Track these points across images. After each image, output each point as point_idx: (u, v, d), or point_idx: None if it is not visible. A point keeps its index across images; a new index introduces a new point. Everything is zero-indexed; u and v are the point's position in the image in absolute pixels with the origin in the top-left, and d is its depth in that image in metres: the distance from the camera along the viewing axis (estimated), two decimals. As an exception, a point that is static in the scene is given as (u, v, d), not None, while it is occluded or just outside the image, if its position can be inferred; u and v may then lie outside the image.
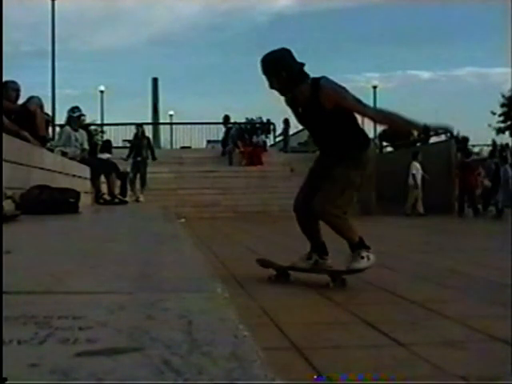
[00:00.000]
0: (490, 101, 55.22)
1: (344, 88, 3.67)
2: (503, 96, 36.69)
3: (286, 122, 22.45)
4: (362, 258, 3.73)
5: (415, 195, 15.32)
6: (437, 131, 3.78)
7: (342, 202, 3.77)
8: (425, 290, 3.62)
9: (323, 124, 3.74)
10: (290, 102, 3.86)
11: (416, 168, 15.35)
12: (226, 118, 20.67)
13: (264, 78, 3.74)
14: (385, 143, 34.72)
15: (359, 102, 3.66)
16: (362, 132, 3.85)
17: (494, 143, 36.31)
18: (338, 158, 3.72)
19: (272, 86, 3.75)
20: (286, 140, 22.58)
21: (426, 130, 3.69)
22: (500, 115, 36.61)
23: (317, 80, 3.66)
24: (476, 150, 37.24)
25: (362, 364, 2.01)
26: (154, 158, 15.56)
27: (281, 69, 3.65)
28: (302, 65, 3.71)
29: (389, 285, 3.69)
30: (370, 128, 38.18)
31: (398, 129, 3.66)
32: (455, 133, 29.21)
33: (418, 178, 15.29)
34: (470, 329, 2.51)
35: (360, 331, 2.49)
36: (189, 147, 22.69)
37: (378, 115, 3.81)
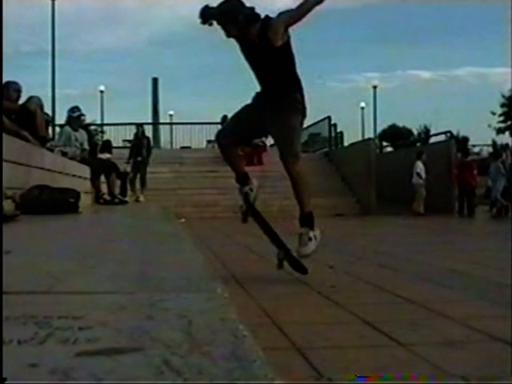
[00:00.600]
0: (490, 101, 55.22)
1: (283, 12, 3.81)
2: (503, 96, 36.73)
3: None
4: (310, 239, 3.74)
5: (423, 194, 15.26)
6: None
7: (296, 144, 3.86)
8: (425, 289, 3.62)
9: (275, 62, 3.81)
10: (240, 44, 3.90)
11: (420, 167, 15.30)
12: (225, 117, 20.68)
13: (220, 27, 3.78)
14: (385, 143, 34.73)
15: (295, 8, 3.77)
16: (298, 76, 3.94)
17: (494, 143, 36.33)
18: (279, 104, 3.81)
19: (229, 35, 3.82)
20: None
21: None
22: (500, 115, 36.64)
23: (266, 19, 3.79)
24: (476, 150, 37.30)
25: (361, 364, 2.01)
26: (147, 159, 15.50)
27: (237, 13, 3.74)
28: (253, 8, 3.82)
29: (389, 285, 3.68)
30: (370, 129, 38.25)
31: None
32: (455, 133, 29.26)
33: (422, 177, 15.25)
34: (470, 329, 2.51)
35: (360, 331, 2.49)
36: (189, 147, 22.69)
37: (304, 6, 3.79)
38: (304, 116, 3.89)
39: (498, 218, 13.93)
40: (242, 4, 3.81)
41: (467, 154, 18.14)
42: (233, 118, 4.11)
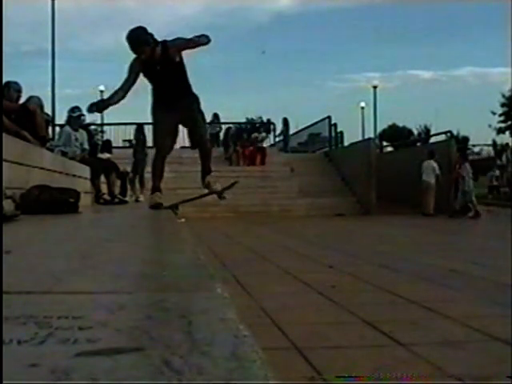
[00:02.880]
0: (490, 101, 55.24)
1: (178, 39, 4.95)
2: (503, 96, 36.71)
3: (285, 121, 22.42)
4: (216, 182, 5.84)
5: (433, 194, 15.18)
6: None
7: (205, 128, 5.55)
8: (425, 290, 3.62)
9: (175, 78, 4.99)
10: (148, 65, 4.91)
11: (432, 167, 15.21)
12: (215, 116, 20.64)
13: (133, 52, 4.85)
14: (385, 143, 34.73)
15: (196, 38, 4.92)
16: (189, 81, 5.16)
17: (494, 143, 36.33)
18: (187, 107, 5.06)
19: (145, 58, 4.84)
20: (286, 140, 22.57)
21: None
22: (500, 115, 36.63)
23: (164, 42, 4.90)
24: (476, 149, 37.29)
25: (362, 364, 2.01)
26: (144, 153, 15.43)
27: (152, 39, 4.84)
28: (152, 34, 4.91)
29: (389, 285, 3.69)
30: (370, 129, 38.19)
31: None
32: (455, 133, 29.27)
33: (432, 177, 15.16)
34: (470, 329, 2.51)
35: (360, 331, 2.49)
36: (189, 147, 22.66)
37: (204, 38, 4.98)
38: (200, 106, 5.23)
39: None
40: (147, 30, 4.89)
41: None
42: (158, 135, 5.37)
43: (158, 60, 4.88)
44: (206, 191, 5.96)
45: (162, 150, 5.43)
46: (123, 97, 5.40)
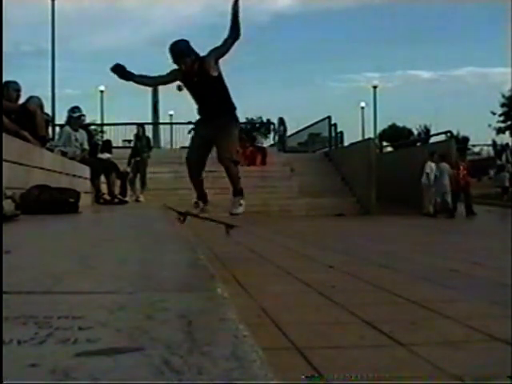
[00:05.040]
0: (490, 101, 55.25)
1: (215, 48, 5.01)
2: (503, 96, 36.72)
3: (281, 120, 22.40)
4: (240, 204, 5.37)
5: (429, 195, 15.17)
6: None
7: (234, 149, 5.33)
8: (425, 289, 3.62)
9: (212, 92, 5.06)
10: (183, 79, 5.12)
11: (430, 167, 15.19)
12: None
13: (175, 63, 5.02)
14: (385, 143, 34.71)
15: (224, 42, 5.00)
16: (231, 100, 5.26)
17: (494, 143, 36.34)
18: (222, 121, 5.10)
19: (186, 69, 5.00)
20: (283, 139, 22.55)
21: None
22: (500, 115, 36.63)
23: (202, 57, 5.01)
24: (476, 149, 37.30)
25: (361, 364, 2.01)
26: (149, 151, 15.44)
27: (192, 52, 5.02)
28: (194, 49, 5.06)
29: (389, 285, 3.68)
30: (370, 129, 38.20)
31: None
32: (455, 133, 29.27)
33: (431, 177, 15.13)
34: (470, 329, 2.51)
35: (360, 331, 2.49)
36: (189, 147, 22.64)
37: (234, 34, 5.02)
38: (238, 129, 5.43)
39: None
40: (190, 44, 5.06)
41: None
42: (189, 149, 5.60)
43: (195, 74, 5.03)
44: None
45: (188, 164, 5.52)
46: (148, 85, 5.82)
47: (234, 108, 5.24)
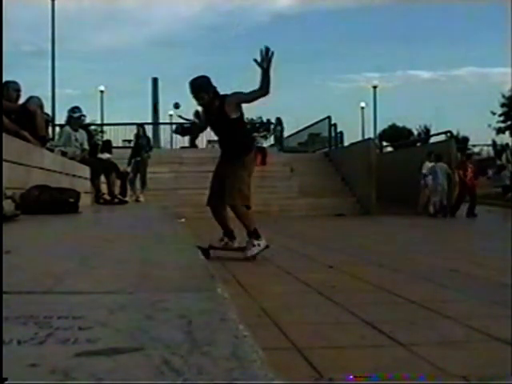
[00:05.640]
0: (490, 101, 55.18)
1: (238, 93, 5.14)
2: (503, 96, 36.70)
3: (279, 120, 22.41)
4: (254, 245, 5.15)
5: (426, 195, 15.18)
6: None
7: (239, 193, 5.15)
8: (425, 290, 3.62)
9: (229, 130, 5.19)
10: (205, 113, 5.36)
11: (427, 168, 15.19)
12: (196, 113, 20.65)
13: (193, 96, 5.15)
14: (385, 143, 34.71)
15: (248, 92, 5.03)
16: (248, 139, 5.61)
17: (494, 143, 36.34)
18: (231, 160, 5.18)
19: (200, 103, 5.21)
20: (281, 139, 22.56)
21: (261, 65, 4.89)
22: (500, 115, 36.61)
23: (223, 96, 5.15)
24: (476, 150, 37.31)
25: (361, 364, 2.01)
26: (149, 150, 15.43)
27: (210, 89, 5.13)
28: (215, 87, 5.19)
29: (389, 285, 3.68)
30: (370, 129, 38.18)
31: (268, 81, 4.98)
32: (455, 133, 29.26)
33: (428, 178, 15.13)
34: (470, 329, 2.51)
35: (360, 331, 2.49)
36: (196, 147, 22.65)
37: (261, 88, 4.94)
38: (248, 167, 5.27)
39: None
40: (211, 81, 5.18)
41: (464, 153, 17.94)
42: (212, 184, 5.43)
43: (214, 112, 5.14)
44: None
45: (209, 206, 5.44)
46: (201, 131, 6.21)
47: (247, 149, 5.28)
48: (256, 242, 5.12)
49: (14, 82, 6.57)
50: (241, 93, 5.11)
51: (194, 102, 5.21)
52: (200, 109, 5.53)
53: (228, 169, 5.15)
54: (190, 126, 6.02)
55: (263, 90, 4.92)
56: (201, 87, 5.12)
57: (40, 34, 43.79)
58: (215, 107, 5.11)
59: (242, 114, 5.20)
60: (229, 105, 5.04)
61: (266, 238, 5.32)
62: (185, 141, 23.27)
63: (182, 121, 6.56)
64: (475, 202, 15.03)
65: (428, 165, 15.18)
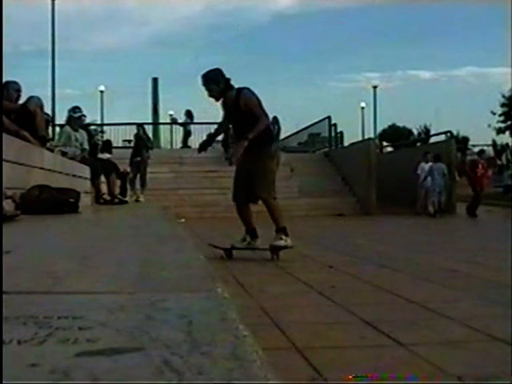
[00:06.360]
0: (490, 101, 55.20)
1: (257, 99, 5.21)
2: (503, 96, 36.70)
3: (275, 119, 22.43)
4: (281, 239, 5.16)
5: (421, 195, 15.18)
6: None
7: (271, 185, 5.20)
8: (425, 290, 3.62)
9: (242, 120, 5.16)
10: (222, 105, 5.40)
11: (421, 168, 15.21)
12: (188, 113, 20.64)
13: (204, 88, 5.26)
14: (385, 143, 34.72)
15: (261, 114, 5.18)
16: (268, 131, 5.36)
17: (494, 143, 36.36)
18: (256, 153, 5.08)
19: (210, 95, 5.29)
20: (278, 138, 22.55)
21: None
22: (500, 115, 36.61)
23: (240, 89, 5.24)
24: (476, 150, 37.31)
25: (362, 364, 2.01)
26: (150, 148, 15.45)
27: (220, 81, 5.23)
28: (229, 79, 5.27)
29: (389, 285, 3.68)
30: (370, 129, 38.17)
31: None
32: (455, 133, 29.27)
33: (421, 178, 15.14)
34: (470, 329, 2.51)
35: (360, 331, 2.49)
36: (189, 147, 22.67)
37: (259, 127, 5.08)
38: (274, 158, 5.28)
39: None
40: (222, 73, 5.27)
41: (464, 154, 17.95)
42: (236, 180, 5.46)
43: (231, 103, 5.24)
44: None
45: (235, 203, 5.46)
46: (223, 131, 6.17)
47: (270, 140, 5.28)
48: (284, 237, 5.15)
49: (15, 82, 6.56)
50: (257, 106, 5.15)
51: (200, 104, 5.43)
52: (191, 109, 5.86)
53: (255, 162, 5.11)
54: (207, 138, 5.92)
55: (275, 132, 5.17)
56: (210, 79, 5.22)
57: (40, 34, 43.79)
58: (230, 99, 5.22)
59: (259, 106, 5.20)
60: (243, 99, 5.14)
61: (266, 238, 5.33)
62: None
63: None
64: (479, 201, 15.02)
65: (423, 165, 15.20)
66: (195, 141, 23.47)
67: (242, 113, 5.12)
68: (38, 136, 6.33)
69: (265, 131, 5.17)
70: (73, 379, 0.67)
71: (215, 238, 7.28)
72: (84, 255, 1.98)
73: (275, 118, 22.65)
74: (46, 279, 1.42)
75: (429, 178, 14.99)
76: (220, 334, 0.88)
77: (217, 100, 5.35)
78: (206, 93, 5.30)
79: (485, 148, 24.85)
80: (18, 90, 6.56)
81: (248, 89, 5.25)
